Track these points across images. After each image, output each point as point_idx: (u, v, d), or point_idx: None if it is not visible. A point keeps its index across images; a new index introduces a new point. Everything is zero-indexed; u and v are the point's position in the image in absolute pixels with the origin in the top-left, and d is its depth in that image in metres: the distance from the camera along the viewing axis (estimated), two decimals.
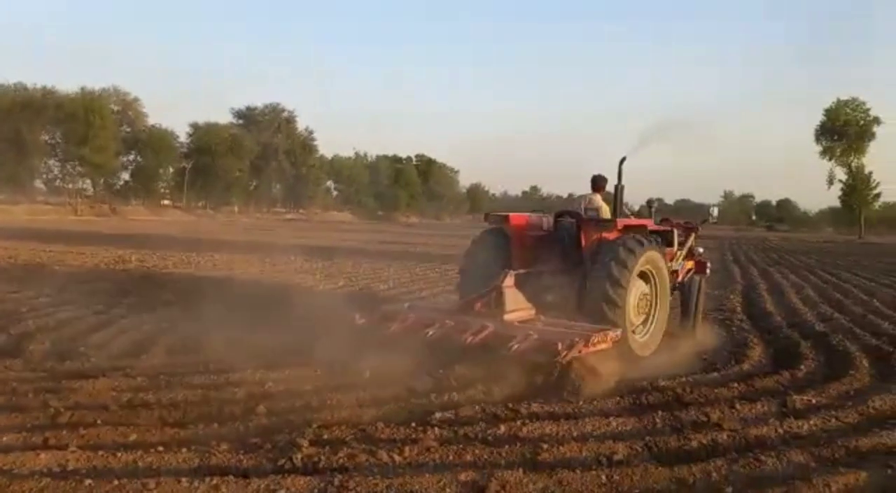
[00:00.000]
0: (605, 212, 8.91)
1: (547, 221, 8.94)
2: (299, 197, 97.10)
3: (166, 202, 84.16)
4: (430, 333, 7.24)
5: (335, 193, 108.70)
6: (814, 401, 6.62)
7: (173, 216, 71.37)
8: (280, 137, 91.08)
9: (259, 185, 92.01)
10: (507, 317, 7.36)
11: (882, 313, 12.81)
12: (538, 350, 6.61)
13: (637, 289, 7.97)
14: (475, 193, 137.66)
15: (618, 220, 8.27)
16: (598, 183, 9.25)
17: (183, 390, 6.35)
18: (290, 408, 5.95)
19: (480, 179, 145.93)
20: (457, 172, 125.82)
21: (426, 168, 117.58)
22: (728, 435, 5.52)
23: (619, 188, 8.67)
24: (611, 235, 8.07)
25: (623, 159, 8.60)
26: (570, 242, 8.53)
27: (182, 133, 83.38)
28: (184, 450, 4.82)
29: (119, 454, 4.65)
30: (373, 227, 67.39)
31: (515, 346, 6.59)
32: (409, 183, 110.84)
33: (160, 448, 4.85)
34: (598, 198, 9.19)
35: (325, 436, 5.20)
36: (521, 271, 8.01)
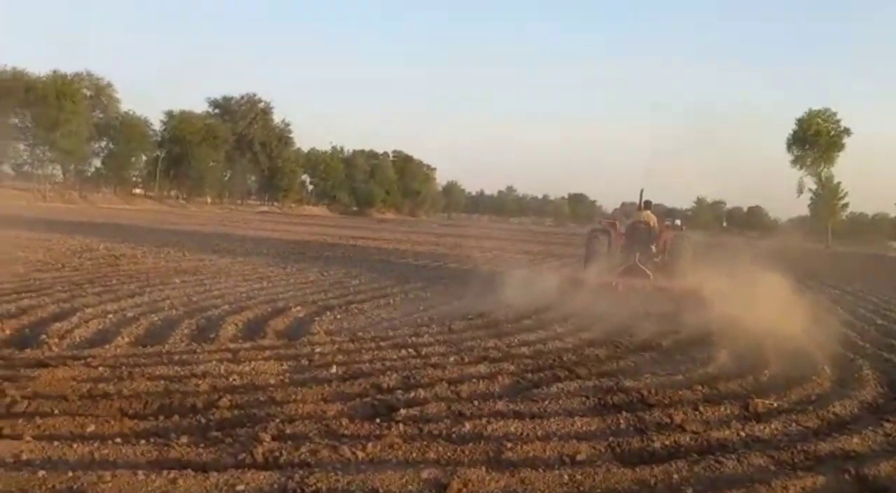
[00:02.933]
0: (654, 222, 15.28)
1: (622, 228, 15.69)
2: (274, 190, 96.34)
3: (138, 191, 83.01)
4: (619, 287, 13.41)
5: (310, 187, 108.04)
6: (775, 405, 6.70)
7: (144, 205, 70.37)
8: (256, 129, 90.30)
9: (233, 176, 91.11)
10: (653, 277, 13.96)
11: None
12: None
13: None
14: (451, 190, 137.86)
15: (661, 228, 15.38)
16: (647, 206, 15.53)
17: (144, 381, 6.24)
18: (254, 402, 5.88)
19: (457, 177, 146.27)
20: (433, 169, 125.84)
21: (403, 164, 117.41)
22: (690, 437, 5.56)
23: (649, 206, 15.62)
24: (663, 237, 15.22)
25: (642, 191, 15.60)
26: (646, 238, 15.07)
27: (156, 121, 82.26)
28: (142, 442, 4.73)
29: (75, 446, 4.55)
30: (347, 222, 67.06)
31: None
32: (386, 179, 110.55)
33: (118, 440, 4.76)
34: (647, 213, 15.36)
35: (288, 431, 5.14)
36: (637, 254, 14.37)
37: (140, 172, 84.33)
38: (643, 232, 14.92)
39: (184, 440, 4.83)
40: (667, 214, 20.89)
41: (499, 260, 26.35)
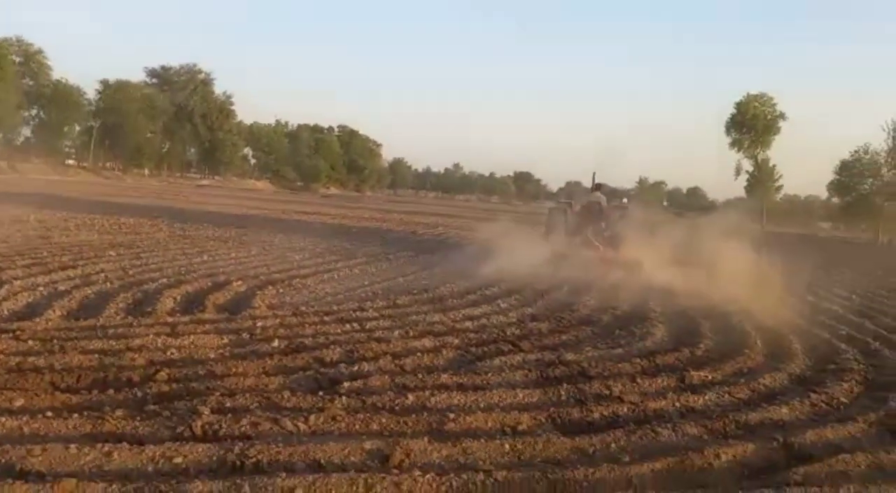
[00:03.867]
0: (604, 202, 17.41)
1: (578, 205, 18.08)
2: (215, 163, 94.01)
3: (71, 162, 79.89)
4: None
5: (253, 160, 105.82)
6: (710, 377, 6.92)
7: (78, 177, 67.82)
8: (196, 100, 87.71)
9: (172, 148, 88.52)
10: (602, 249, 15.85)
11: None
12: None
13: None
14: (397, 167, 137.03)
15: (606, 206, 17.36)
16: (598, 188, 17.84)
17: (77, 355, 6.04)
18: (193, 375, 5.75)
19: (404, 154, 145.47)
20: (380, 145, 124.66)
21: (348, 139, 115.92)
22: (628, 408, 5.70)
23: (600, 187, 17.85)
24: (611, 215, 17.14)
25: (594, 174, 18.23)
26: (598, 215, 17.00)
27: (91, 90, 79.04)
28: (75, 416, 4.58)
29: (3, 419, 4.38)
30: (289, 197, 66.05)
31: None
32: (331, 154, 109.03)
33: (49, 414, 4.60)
34: (598, 194, 17.54)
35: (228, 404, 5.05)
36: (590, 229, 16.57)
37: (73, 142, 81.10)
38: (595, 210, 17.22)
39: (119, 413, 4.70)
40: (612, 193, 21.91)
41: (447, 236, 26.41)
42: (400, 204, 68.27)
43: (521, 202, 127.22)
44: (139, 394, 5.21)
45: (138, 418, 4.64)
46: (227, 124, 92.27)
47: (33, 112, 74.54)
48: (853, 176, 59.78)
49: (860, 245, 46.90)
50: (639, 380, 6.56)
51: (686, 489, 4.13)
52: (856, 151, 59.69)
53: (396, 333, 7.92)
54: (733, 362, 7.70)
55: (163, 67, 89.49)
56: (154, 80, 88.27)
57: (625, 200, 20.37)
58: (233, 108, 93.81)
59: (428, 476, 3.98)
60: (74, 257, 12.28)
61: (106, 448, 4.02)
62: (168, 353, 6.36)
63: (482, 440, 4.67)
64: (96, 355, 6.07)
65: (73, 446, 4.00)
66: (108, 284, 9.84)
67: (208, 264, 12.83)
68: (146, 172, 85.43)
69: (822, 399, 6.39)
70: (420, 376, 6.21)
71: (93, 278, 10.20)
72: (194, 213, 27.80)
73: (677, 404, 5.95)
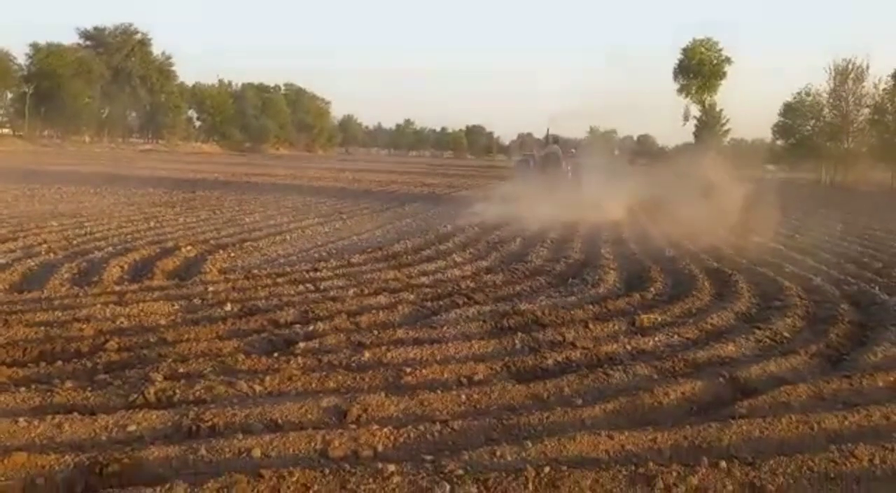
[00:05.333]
0: (560, 152, 22.62)
1: (538, 155, 23.41)
2: (158, 126, 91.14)
3: (5, 131, 76.54)
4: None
5: (198, 123, 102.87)
6: (659, 319, 7.10)
7: (13, 146, 65.12)
8: (133, 62, 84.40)
9: (112, 112, 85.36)
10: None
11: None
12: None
13: None
14: (348, 124, 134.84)
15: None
16: (555, 141, 23.60)
17: (22, 327, 5.88)
18: (144, 343, 5.66)
19: (353, 111, 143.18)
20: (328, 103, 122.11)
21: (295, 98, 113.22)
22: (581, 353, 5.82)
23: (554, 140, 23.87)
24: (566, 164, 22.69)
25: (548, 130, 24.85)
26: (556, 164, 22.10)
27: (20, 55, 75.31)
28: (23, 390, 4.47)
29: None
30: (238, 159, 64.70)
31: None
32: (278, 113, 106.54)
33: None
34: (555, 146, 22.96)
35: (181, 370, 4.99)
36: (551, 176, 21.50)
37: (6, 110, 77.56)
38: (553, 160, 22.12)
39: (69, 384, 4.60)
40: (564, 144, 24.84)
41: (400, 192, 26.28)
42: (352, 162, 67.50)
43: (474, 157, 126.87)
44: (89, 364, 5.10)
45: (89, 388, 4.56)
46: (168, 86, 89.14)
47: None
48: (796, 118, 60.93)
49: (804, 185, 48.23)
50: (591, 326, 6.70)
51: (637, 426, 4.26)
52: (798, 94, 60.80)
53: (351, 291, 7.91)
54: (682, 303, 7.91)
55: (96, 28, 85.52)
56: (88, 43, 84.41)
57: (573, 150, 24.96)
58: (173, 68, 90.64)
59: (385, 429, 4.02)
60: (14, 228, 11.87)
61: (56, 420, 3.94)
62: (117, 322, 6.24)
63: (439, 392, 4.73)
64: (42, 328, 5.92)
65: (21, 419, 3.92)
66: (52, 254, 9.57)
67: (156, 231, 12.55)
68: (86, 138, 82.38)
69: (767, 335, 6.63)
70: (376, 332, 6.23)
71: (35, 249, 9.89)
72: (139, 178, 27.03)
73: (628, 346, 6.10)
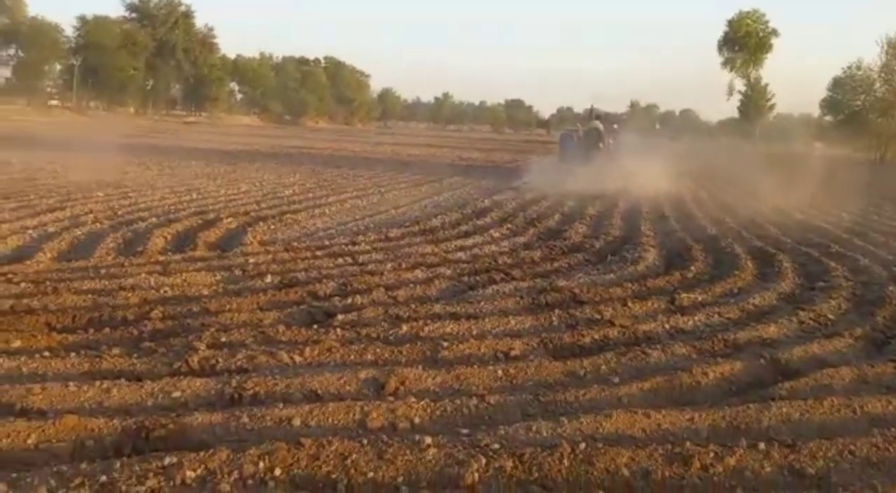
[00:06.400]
0: (602, 127, 22.70)
1: (582, 131, 23.73)
2: (200, 99, 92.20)
3: (54, 102, 78.19)
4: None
5: (239, 95, 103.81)
6: (700, 299, 7.01)
7: (62, 117, 66.52)
8: (178, 34, 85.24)
9: (156, 84, 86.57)
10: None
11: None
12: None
13: None
14: (386, 98, 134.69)
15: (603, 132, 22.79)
16: (598, 116, 23.91)
17: (71, 295, 6.06)
18: (187, 312, 5.79)
19: (392, 85, 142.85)
20: (368, 76, 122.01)
21: (335, 71, 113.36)
22: (619, 331, 5.79)
23: (596, 116, 24.30)
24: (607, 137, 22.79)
25: (592, 106, 26.18)
26: (597, 139, 22.31)
27: (68, 27, 76.66)
28: (72, 355, 4.62)
29: (0, 361, 4.42)
30: (278, 132, 65.19)
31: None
32: (318, 86, 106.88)
33: (46, 354, 4.64)
34: (597, 122, 23.15)
35: (224, 339, 5.10)
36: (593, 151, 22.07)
37: (55, 82, 79.21)
38: (594, 135, 22.60)
39: (115, 351, 4.75)
40: (605, 118, 25.03)
41: (438, 166, 26.23)
42: (390, 136, 67.52)
43: (513, 131, 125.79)
44: (134, 332, 5.25)
45: (135, 355, 4.70)
46: (211, 59, 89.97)
47: (11, 52, 72.57)
48: (846, 93, 58.98)
49: (855, 164, 46.82)
50: (630, 304, 6.64)
51: (674, 406, 4.23)
52: (849, 68, 58.76)
53: (389, 265, 7.96)
54: (724, 282, 7.79)
55: (141, 1, 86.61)
56: (133, 15, 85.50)
57: (615, 125, 25.37)
58: (215, 41, 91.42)
59: (422, 402, 4.07)
60: (62, 198, 12.17)
61: (105, 385, 4.07)
62: (161, 291, 6.39)
63: (475, 367, 4.75)
64: (90, 295, 6.10)
65: (71, 384, 4.06)
66: (98, 224, 9.80)
67: (198, 202, 12.76)
68: (132, 109, 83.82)
69: (811, 317, 6.50)
70: (413, 306, 6.27)
71: (82, 219, 10.13)
72: (182, 150, 27.45)
73: (667, 325, 6.04)
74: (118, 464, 3.13)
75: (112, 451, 3.44)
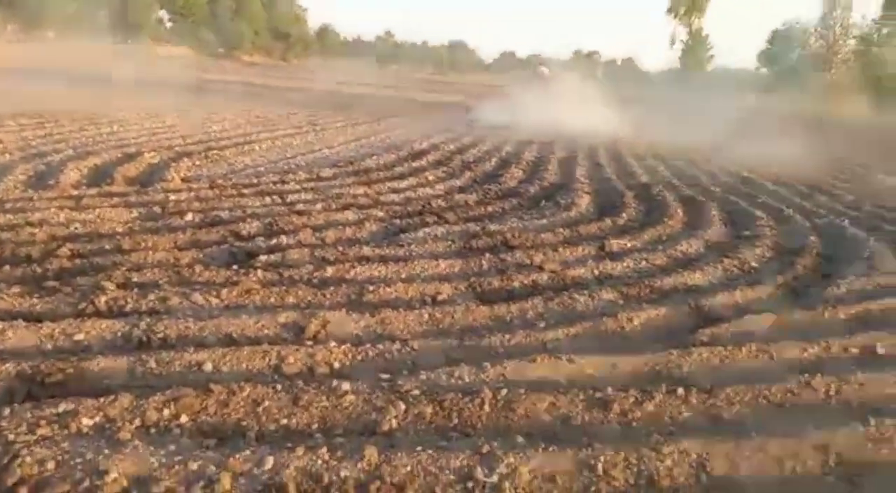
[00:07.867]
0: (547, 72, 30.86)
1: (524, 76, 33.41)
2: (128, 26, 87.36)
3: None
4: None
5: (169, 24, 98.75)
6: (629, 245, 7.04)
7: None
8: None
9: (79, 9, 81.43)
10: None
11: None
12: None
13: None
14: (325, 35, 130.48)
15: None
16: (542, 64, 33.34)
17: None
18: (98, 250, 5.47)
19: (331, 21, 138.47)
20: (305, 10, 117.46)
21: (269, 2, 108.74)
22: (548, 276, 5.75)
23: (540, 62, 34.48)
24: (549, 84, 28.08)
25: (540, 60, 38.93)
26: (540, 85, 27.07)
27: None
28: None
29: None
30: (211, 64, 62.51)
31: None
32: (254, 18, 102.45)
33: None
34: (543, 68, 31.47)
35: (135, 279, 4.83)
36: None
37: None
38: (538, 81, 26.67)
39: (15, 290, 4.43)
40: (543, 62, 29.87)
41: (376, 106, 25.63)
42: (328, 72, 65.60)
43: (457, 74, 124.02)
44: (38, 270, 4.93)
45: (36, 295, 4.40)
46: None
47: None
48: (782, 46, 60.07)
49: (786, 116, 48.05)
50: (560, 249, 6.61)
51: (599, 352, 4.23)
52: (788, 22, 59.76)
53: (318, 206, 7.72)
54: (653, 229, 7.85)
55: None
56: None
57: (547, 70, 30.75)
58: None
59: (343, 347, 3.94)
60: None
61: (0, 327, 3.80)
62: (71, 227, 6.02)
63: (401, 311, 4.64)
64: None
65: None
66: (7, 155, 9.19)
67: (119, 135, 12.10)
68: (51, 35, 78.82)
69: (735, 264, 6.61)
70: (341, 248, 6.09)
71: None
72: (105, 79, 25.97)
73: (596, 271, 6.03)
74: (7, 411, 2.92)
75: (5, 398, 3.21)
